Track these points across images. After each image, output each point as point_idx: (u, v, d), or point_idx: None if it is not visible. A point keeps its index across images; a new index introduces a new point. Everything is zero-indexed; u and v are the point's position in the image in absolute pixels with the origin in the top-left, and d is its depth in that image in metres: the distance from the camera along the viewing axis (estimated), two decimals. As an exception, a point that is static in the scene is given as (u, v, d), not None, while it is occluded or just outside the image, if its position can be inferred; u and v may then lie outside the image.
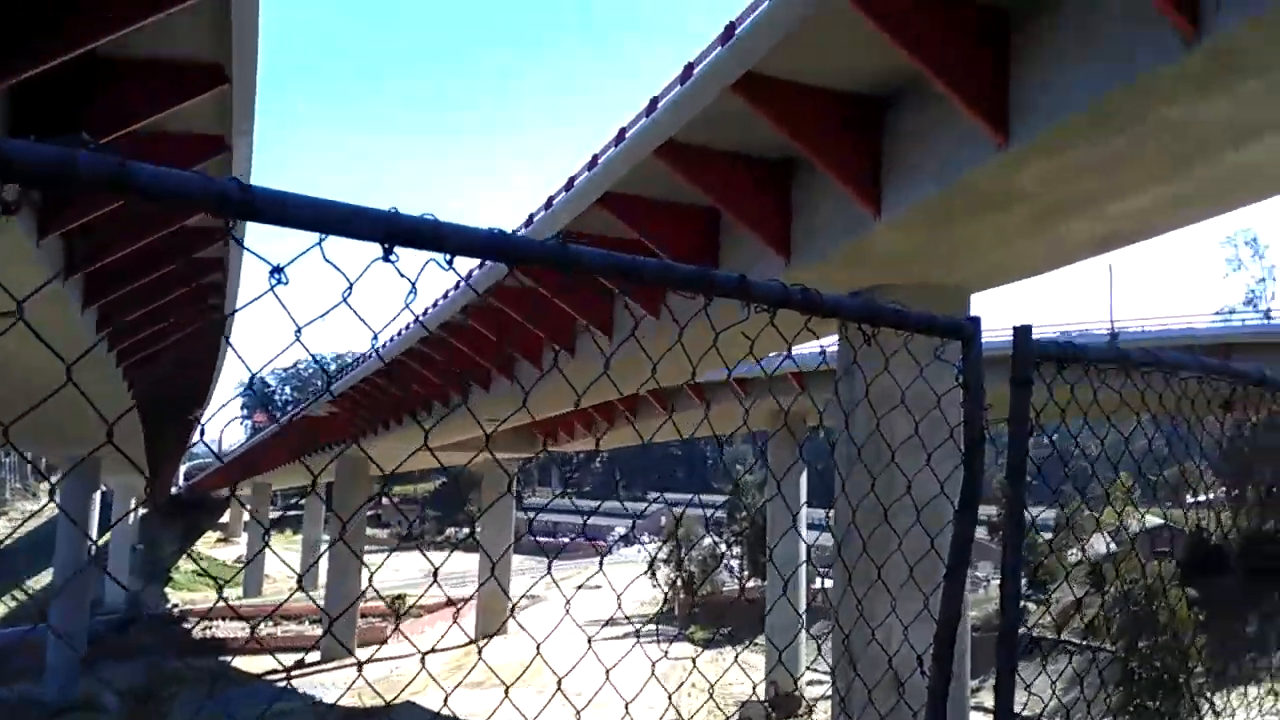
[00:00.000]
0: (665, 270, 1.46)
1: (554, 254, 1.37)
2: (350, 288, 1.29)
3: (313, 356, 1.78)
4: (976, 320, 1.96)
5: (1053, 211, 10.16)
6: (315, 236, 1.22)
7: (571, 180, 13.98)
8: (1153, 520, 32.76)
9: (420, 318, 20.93)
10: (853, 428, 11.07)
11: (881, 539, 2.67)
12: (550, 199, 14.87)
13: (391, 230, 1.23)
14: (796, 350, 2.19)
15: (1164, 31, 7.15)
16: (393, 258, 1.25)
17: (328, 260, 1.23)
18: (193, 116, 10.76)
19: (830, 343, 13.36)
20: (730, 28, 9.71)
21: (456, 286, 18.33)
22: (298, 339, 1.29)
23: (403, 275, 1.27)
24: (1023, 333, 1.89)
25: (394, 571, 58.18)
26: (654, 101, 11.43)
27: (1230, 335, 30.15)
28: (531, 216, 15.76)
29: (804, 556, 28.59)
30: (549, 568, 2.38)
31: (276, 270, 1.21)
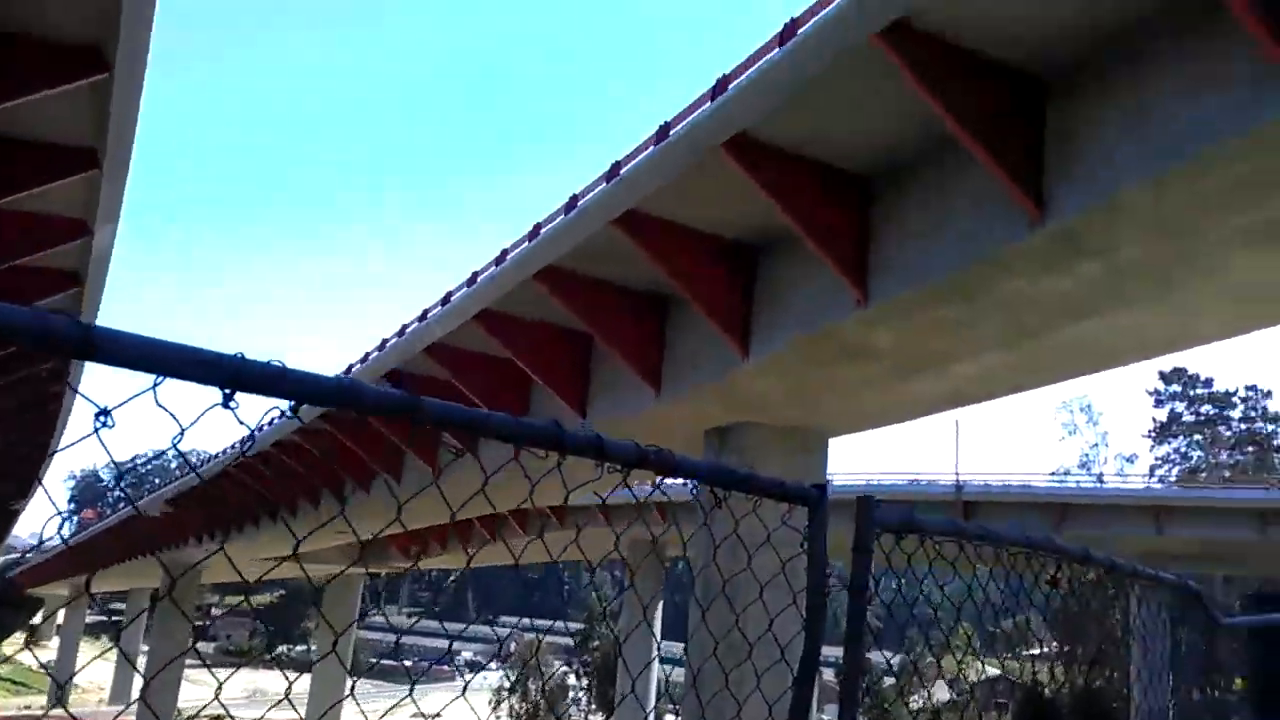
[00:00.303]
0: (516, 426, 1.45)
1: (403, 406, 1.35)
2: (181, 434, 1.24)
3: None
4: (823, 489, 2.02)
5: (906, 367, 10.71)
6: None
7: (448, 295, 13.96)
8: (992, 670, 33.68)
9: (246, 446, 20.89)
10: (701, 586, 11.44)
11: (733, 684, 2.66)
12: (425, 311, 14.80)
13: (236, 376, 1.18)
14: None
15: (1012, 212, 7.79)
16: (233, 404, 1.21)
17: (160, 405, 1.18)
18: (57, 200, 10.35)
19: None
20: (616, 166, 10.08)
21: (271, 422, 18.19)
22: (122, 489, 1.21)
23: (241, 423, 1.23)
24: (865, 503, 1.96)
25: (209, 688, 54.00)
26: (537, 227, 11.65)
27: (1066, 495, 31.99)
28: (404, 327, 15.61)
29: (653, 698, 28.01)
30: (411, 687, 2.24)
31: (103, 413, 1.14)
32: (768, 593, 2.15)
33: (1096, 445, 68.65)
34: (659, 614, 35.53)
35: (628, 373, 12.56)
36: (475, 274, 13.19)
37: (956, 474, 33.18)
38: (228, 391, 1.19)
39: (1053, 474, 52.52)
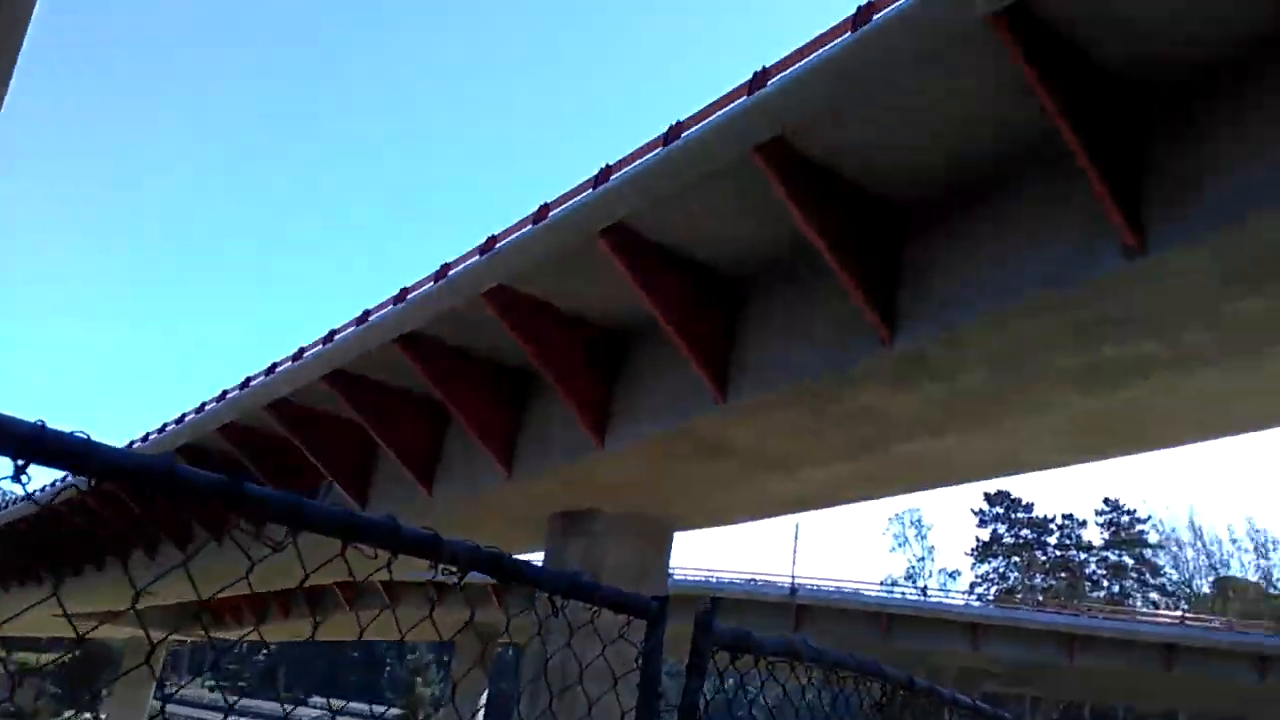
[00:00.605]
0: (347, 521, 1.34)
1: (222, 489, 1.24)
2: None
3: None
4: (664, 602, 1.98)
5: (758, 467, 10.91)
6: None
7: (301, 351, 13.47)
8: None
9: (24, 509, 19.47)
10: (528, 700, 11.31)
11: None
12: (274, 365, 14.20)
13: (33, 446, 1.06)
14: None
15: (866, 331, 8.14)
16: (24, 478, 1.07)
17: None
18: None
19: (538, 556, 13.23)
20: (491, 240, 10.05)
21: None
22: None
23: (29, 496, 1.10)
24: (703, 624, 1.93)
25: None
26: (404, 291, 11.44)
27: (892, 606, 32.96)
28: (248, 380, 14.92)
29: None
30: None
31: None
32: (596, 711, 2.08)
33: (923, 559, 71.30)
34: (483, 697, 34.33)
35: (480, 449, 12.31)
36: (333, 332, 12.79)
37: (792, 577, 33.82)
38: (20, 463, 1.07)
39: (881, 584, 54.24)
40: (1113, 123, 6.58)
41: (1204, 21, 6.14)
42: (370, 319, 11.90)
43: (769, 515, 13.26)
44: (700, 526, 13.88)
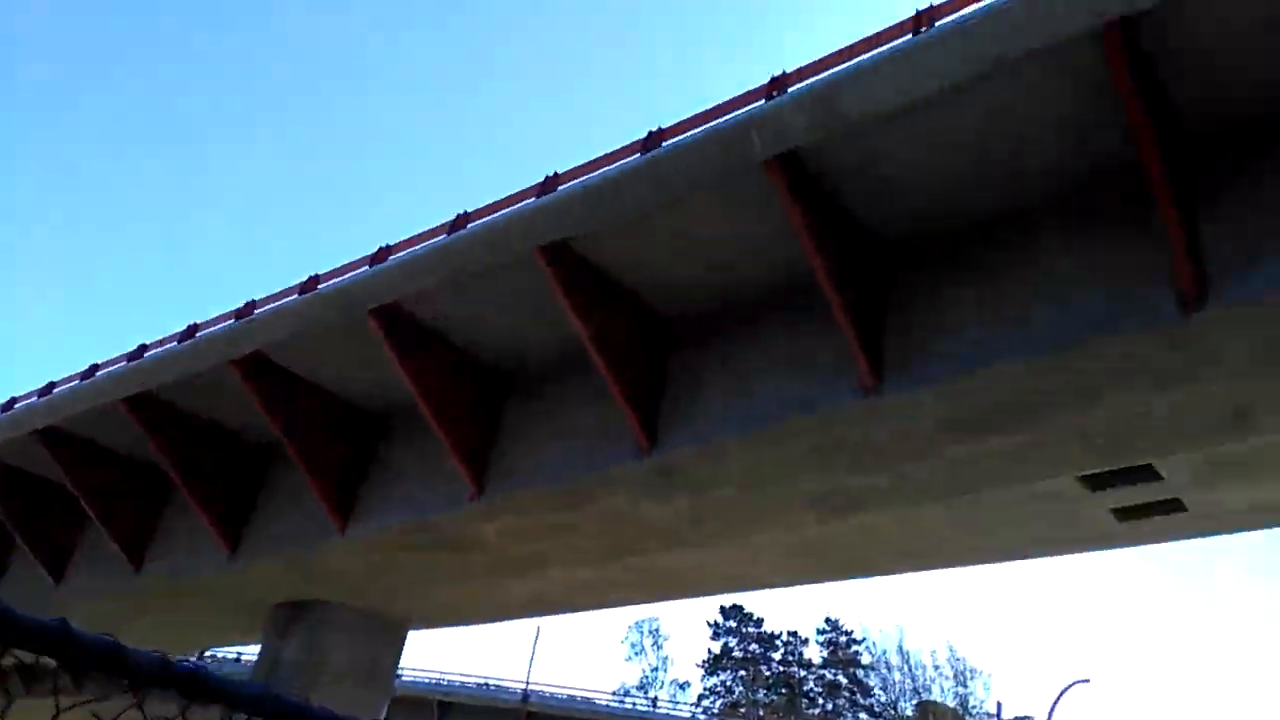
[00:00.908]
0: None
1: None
2: None
3: None
4: None
5: (505, 566, 10.71)
6: None
7: (12, 401, 12.01)
8: None
9: None
10: None
11: None
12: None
13: None
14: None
15: (626, 440, 8.31)
16: None
17: None
18: None
19: (249, 654, 12.22)
20: (250, 305, 9.53)
21: None
22: None
23: None
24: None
25: None
26: (143, 348, 10.54)
27: (622, 716, 32.94)
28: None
29: None
30: None
31: None
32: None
33: (657, 669, 71.99)
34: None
35: (204, 524, 11.32)
36: (52, 384, 11.51)
37: (526, 683, 33.11)
38: None
39: (614, 693, 54.13)
40: (866, 272, 7.24)
41: (951, 199, 6.96)
42: (98, 374, 10.84)
43: (509, 618, 13.01)
44: (437, 625, 13.38)
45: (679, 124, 7.15)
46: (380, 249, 8.52)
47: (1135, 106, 5.56)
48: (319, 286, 8.79)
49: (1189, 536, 8.97)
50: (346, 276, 8.62)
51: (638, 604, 12.38)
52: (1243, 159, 6.05)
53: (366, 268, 8.48)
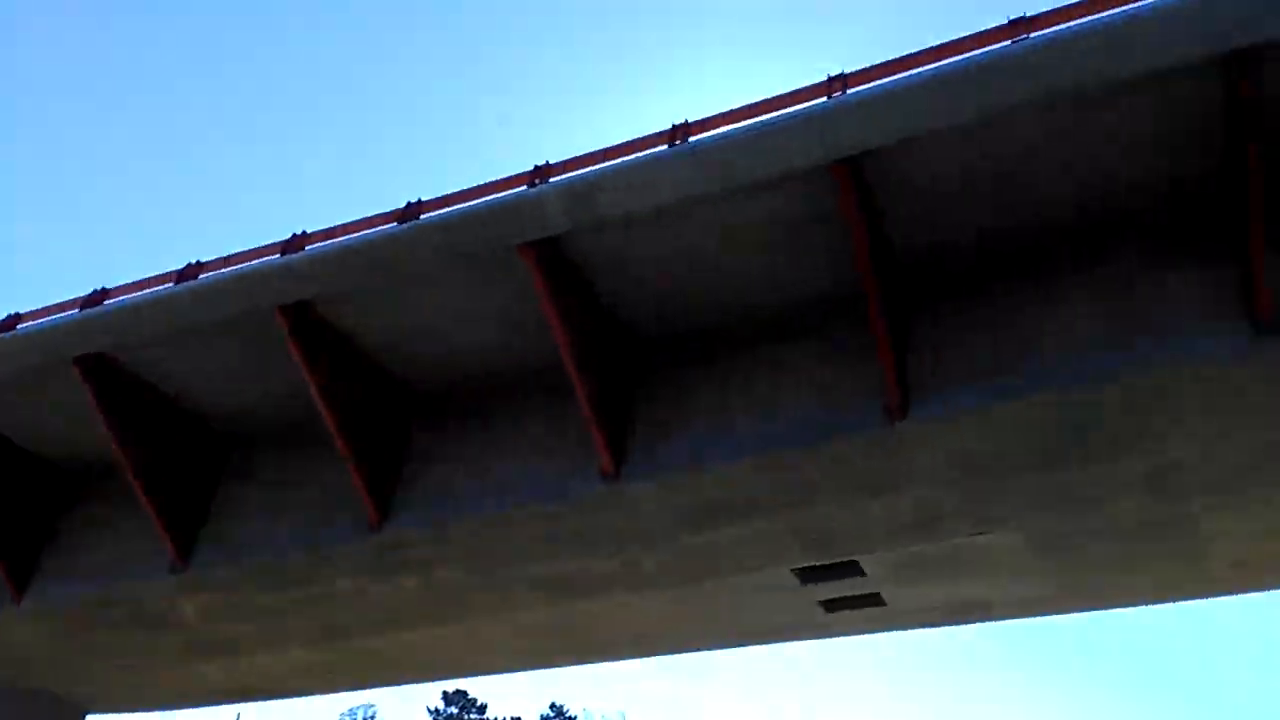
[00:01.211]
0: None
1: None
2: None
3: None
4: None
5: (204, 647, 9.81)
6: None
7: None
8: None
9: None
10: None
11: None
12: None
13: None
14: None
15: (352, 515, 7.94)
16: None
17: None
18: None
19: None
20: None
21: None
22: None
23: None
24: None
25: None
26: None
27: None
28: None
29: None
30: None
31: None
32: None
33: (369, 757, 67.90)
34: None
35: None
36: None
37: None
38: None
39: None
40: (616, 363, 7.44)
41: (694, 304, 7.32)
42: None
43: (204, 704, 11.91)
44: (118, 709, 12.02)
45: (442, 198, 7.11)
46: (95, 291, 7.77)
47: (860, 234, 6.16)
48: (18, 326, 7.87)
49: (891, 629, 9.66)
50: (53, 318, 7.79)
51: (353, 690, 11.71)
52: (948, 291, 6.79)
53: (77, 310, 7.71)
